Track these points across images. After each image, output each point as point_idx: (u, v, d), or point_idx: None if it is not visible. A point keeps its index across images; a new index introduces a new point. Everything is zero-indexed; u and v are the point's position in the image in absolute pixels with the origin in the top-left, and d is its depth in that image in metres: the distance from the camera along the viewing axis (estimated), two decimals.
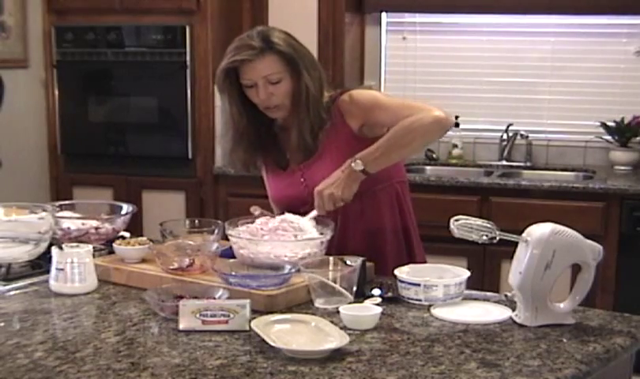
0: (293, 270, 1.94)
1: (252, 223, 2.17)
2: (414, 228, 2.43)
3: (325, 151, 2.30)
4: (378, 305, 1.85)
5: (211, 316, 1.72)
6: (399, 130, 2.17)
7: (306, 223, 2.13)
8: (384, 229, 2.34)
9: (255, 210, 2.27)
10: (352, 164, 2.14)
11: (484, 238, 1.83)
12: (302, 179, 2.34)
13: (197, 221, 2.36)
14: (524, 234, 1.80)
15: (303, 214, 2.18)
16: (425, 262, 2.37)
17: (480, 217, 1.88)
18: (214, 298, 1.82)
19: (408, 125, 2.16)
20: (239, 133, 2.33)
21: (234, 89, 2.27)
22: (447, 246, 3.13)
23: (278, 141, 2.39)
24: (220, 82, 2.27)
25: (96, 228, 2.31)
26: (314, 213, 2.17)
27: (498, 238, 1.83)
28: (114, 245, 2.21)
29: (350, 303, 1.86)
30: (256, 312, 1.79)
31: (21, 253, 2.11)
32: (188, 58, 4.29)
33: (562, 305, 1.83)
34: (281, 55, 2.21)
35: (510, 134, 4.51)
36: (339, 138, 2.28)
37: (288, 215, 2.15)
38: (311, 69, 2.25)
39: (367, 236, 2.31)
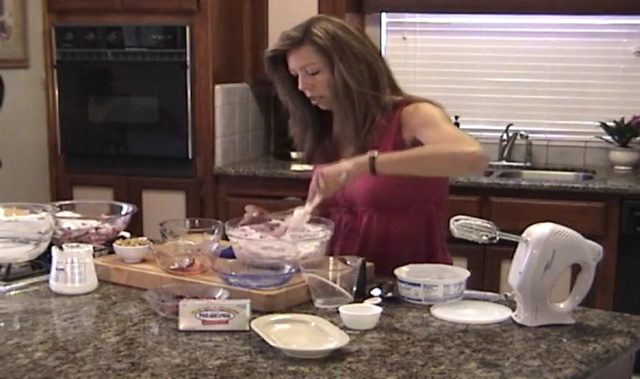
0: (293, 270, 1.94)
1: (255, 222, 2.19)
2: (442, 249, 2.33)
3: None
4: (378, 305, 1.85)
5: (211, 316, 1.72)
6: (431, 150, 2.10)
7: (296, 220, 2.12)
8: (406, 245, 2.25)
9: (251, 209, 2.27)
10: (369, 153, 2.06)
11: (484, 238, 1.83)
12: None
13: (197, 221, 2.36)
14: (524, 234, 1.80)
15: (334, 214, 2.23)
16: None
17: (480, 217, 1.88)
18: (214, 298, 1.82)
19: (441, 147, 2.09)
20: (304, 120, 2.32)
21: (284, 76, 2.27)
22: (447, 246, 3.13)
23: (333, 137, 2.35)
24: (267, 70, 2.29)
25: (96, 228, 2.31)
26: (306, 207, 2.12)
27: (498, 238, 1.83)
28: (114, 245, 2.22)
29: (350, 303, 1.86)
30: (256, 312, 1.79)
31: (21, 253, 2.11)
32: (188, 58, 4.29)
33: (562, 305, 1.83)
34: (317, 47, 2.19)
35: (510, 134, 4.51)
36: (388, 147, 2.18)
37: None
38: (353, 62, 2.19)
39: (386, 248, 2.23)
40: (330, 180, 2.07)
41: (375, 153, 2.06)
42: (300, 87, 2.23)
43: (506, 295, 1.92)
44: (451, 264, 2.30)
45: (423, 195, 2.25)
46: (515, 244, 1.82)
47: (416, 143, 2.17)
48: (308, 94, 2.24)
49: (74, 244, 2.10)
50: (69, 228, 2.29)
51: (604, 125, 4.32)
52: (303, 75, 2.22)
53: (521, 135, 4.50)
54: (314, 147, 2.35)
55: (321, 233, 2.11)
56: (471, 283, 1.99)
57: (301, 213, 2.12)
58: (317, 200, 2.11)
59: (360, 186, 2.21)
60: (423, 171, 2.12)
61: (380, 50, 2.36)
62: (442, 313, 1.85)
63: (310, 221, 2.14)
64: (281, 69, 2.26)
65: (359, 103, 2.20)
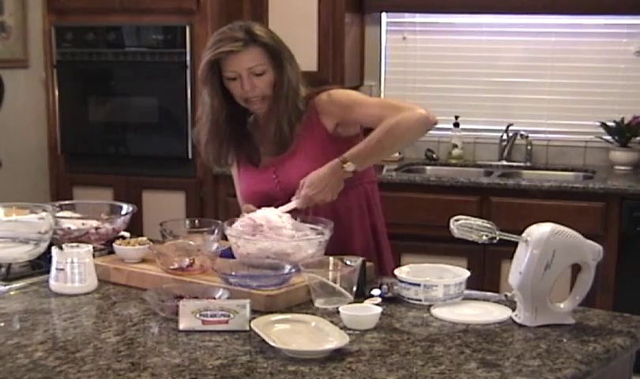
0: (293, 270, 1.94)
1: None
2: (382, 227, 2.46)
3: (299, 149, 2.32)
4: (378, 305, 1.86)
5: (211, 316, 1.72)
6: (386, 130, 2.21)
7: (283, 218, 2.14)
8: (353, 228, 2.36)
9: (250, 210, 2.27)
10: (344, 165, 2.18)
11: (484, 238, 1.83)
12: (274, 176, 2.35)
13: (197, 221, 2.37)
14: (524, 234, 1.80)
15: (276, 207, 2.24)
16: (391, 260, 2.44)
17: (480, 217, 1.89)
18: (214, 298, 1.82)
19: (394, 125, 2.20)
20: (217, 126, 2.35)
21: (216, 82, 2.30)
22: (447, 246, 3.14)
23: (251, 137, 2.41)
24: (203, 75, 2.30)
25: (96, 228, 2.31)
26: (291, 205, 2.18)
27: (498, 238, 1.83)
28: (114, 245, 2.22)
29: (350, 303, 1.86)
30: (256, 312, 1.79)
31: (21, 253, 2.11)
32: (188, 58, 4.29)
33: (562, 305, 1.83)
34: (265, 47, 2.25)
35: (510, 134, 4.51)
36: (313, 137, 2.32)
37: (268, 213, 2.15)
38: (293, 61, 2.31)
39: (337, 234, 2.25)
40: (328, 196, 2.18)
41: (350, 164, 2.19)
42: (245, 87, 2.26)
43: (506, 295, 1.92)
44: (392, 260, 2.46)
45: (358, 176, 2.30)
46: (515, 244, 1.82)
47: (345, 132, 2.33)
48: (248, 95, 2.27)
49: (74, 244, 2.09)
50: (69, 228, 2.29)
51: (604, 125, 4.32)
52: (248, 76, 2.25)
53: (521, 135, 4.49)
54: (223, 150, 2.39)
55: (321, 233, 2.11)
56: (471, 283, 1.99)
57: (276, 213, 2.15)
58: (292, 205, 2.19)
59: (298, 176, 2.25)
60: (390, 151, 2.34)
61: None
62: (442, 313, 1.85)
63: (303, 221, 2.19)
64: (215, 72, 2.28)
65: (291, 100, 2.29)
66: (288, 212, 2.18)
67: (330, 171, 2.19)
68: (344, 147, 2.25)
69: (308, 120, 2.32)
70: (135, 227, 2.66)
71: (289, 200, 2.26)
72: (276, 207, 2.21)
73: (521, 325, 1.79)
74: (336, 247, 2.14)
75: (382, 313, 1.80)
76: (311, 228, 2.15)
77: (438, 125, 2.35)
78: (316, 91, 2.37)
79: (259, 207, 2.24)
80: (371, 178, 2.46)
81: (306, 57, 2.41)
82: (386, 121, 2.21)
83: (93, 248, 2.12)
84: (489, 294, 2.02)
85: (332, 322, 1.73)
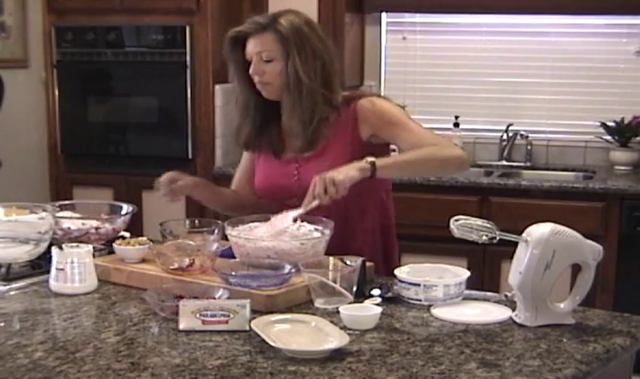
0: (293, 270, 1.94)
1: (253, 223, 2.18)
2: (393, 229, 2.46)
3: (327, 151, 2.30)
4: (378, 305, 1.86)
5: (211, 316, 1.72)
6: (423, 154, 2.21)
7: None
8: (364, 229, 2.34)
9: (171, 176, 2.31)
10: (364, 159, 2.15)
11: (484, 238, 1.83)
12: (295, 172, 2.34)
13: (197, 221, 2.36)
14: (524, 234, 1.80)
15: (289, 206, 2.20)
16: (399, 262, 2.42)
17: (480, 217, 1.88)
18: (214, 298, 1.82)
19: (432, 152, 2.22)
20: (246, 107, 2.37)
21: (240, 60, 2.32)
22: (447, 246, 3.13)
23: (282, 126, 2.38)
24: (225, 50, 2.34)
25: (96, 228, 2.31)
26: (300, 211, 2.13)
27: (498, 238, 1.83)
28: (114, 245, 2.22)
29: (350, 303, 1.86)
30: (256, 312, 1.79)
31: (21, 253, 2.11)
32: (188, 58, 4.29)
33: (562, 305, 1.83)
34: (278, 35, 2.24)
35: (510, 134, 4.51)
36: (345, 140, 2.29)
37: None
38: (310, 58, 2.26)
39: (346, 234, 2.26)
40: (342, 188, 2.09)
41: (373, 158, 2.15)
42: (251, 71, 2.27)
43: (506, 295, 1.92)
44: (398, 246, 2.47)
45: (374, 184, 2.27)
46: (515, 244, 1.82)
47: (376, 140, 2.29)
48: (257, 79, 2.29)
49: (74, 244, 2.10)
50: (69, 228, 2.29)
51: (604, 125, 4.32)
52: (257, 60, 2.26)
53: (521, 135, 4.49)
54: (252, 135, 2.40)
55: (321, 233, 2.11)
56: (471, 283, 1.99)
57: (291, 215, 2.12)
58: (314, 204, 2.12)
59: (314, 176, 2.22)
60: (415, 174, 2.26)
61: (337, 54, 2.43)
62: (442, 313, 1.85)
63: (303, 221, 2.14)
64: (239, 51, 2.31)
65: (306, 98, 2.25)
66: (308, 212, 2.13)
67: (355, 166, 2.13)
68: (373, 154, 2.22)
69: (342, 123, 2.29)
70: (135, 227, 2.66)
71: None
72: (289, 205, 2.20)
73: (521, 325, 1.79)
74: (342, 247, 2.13)
75: (382, 313, 1.80)
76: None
77: (437, 126, 2.36)
78: (357, 94, 2.35)
79: (273, 199, 2.26)
80: (387, 187, 2.44)
81: None
82: (426, 149, 2.21)
83: (93, 248, 2.12)
84: (489, 294, 2.02)
85: (332, 322, 1.73)
